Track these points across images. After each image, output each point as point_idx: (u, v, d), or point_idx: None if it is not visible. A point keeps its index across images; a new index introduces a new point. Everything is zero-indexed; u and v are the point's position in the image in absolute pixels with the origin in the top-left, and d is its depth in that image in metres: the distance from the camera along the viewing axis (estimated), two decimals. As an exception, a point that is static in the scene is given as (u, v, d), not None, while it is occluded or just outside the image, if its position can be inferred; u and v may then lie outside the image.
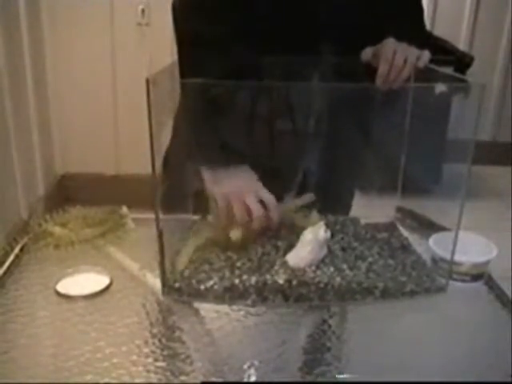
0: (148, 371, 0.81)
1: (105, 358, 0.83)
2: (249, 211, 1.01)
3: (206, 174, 1.05)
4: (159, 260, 0.96)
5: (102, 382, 0.79)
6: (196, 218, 1.16)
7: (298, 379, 0.82)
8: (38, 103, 2.69)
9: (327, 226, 1.01)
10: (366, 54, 1.11)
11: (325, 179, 1.19)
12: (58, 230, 1.15)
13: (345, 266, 1.00)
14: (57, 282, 1.00)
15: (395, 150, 1.18)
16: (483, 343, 0.91)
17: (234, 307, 0.95)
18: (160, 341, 0.88)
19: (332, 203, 1.19)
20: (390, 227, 1.17)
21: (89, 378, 0.79)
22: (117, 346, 0.86)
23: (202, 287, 0.95)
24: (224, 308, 0.95)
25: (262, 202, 1.02)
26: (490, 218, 2.57)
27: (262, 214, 1.01)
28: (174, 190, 1.07)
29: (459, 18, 3.47)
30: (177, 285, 0.96)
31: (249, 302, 0.95)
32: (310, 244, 0.98)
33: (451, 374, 0.84)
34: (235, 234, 1.03)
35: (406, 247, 1.09)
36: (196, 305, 0.96)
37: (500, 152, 3.50)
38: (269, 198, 1.02)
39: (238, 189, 1.03)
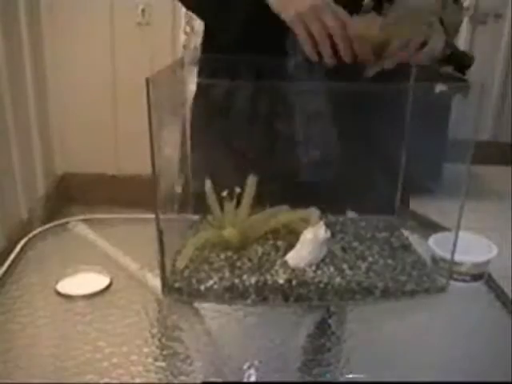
0: (148, 371, 0.81)
1: (105, 357, 0.83)
2: (327, 29, 0.92)
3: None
4: (159, 260, 0.96)
5: (101, 381, 0.79)
6: (196, 217, 1.16)
7: (298, 379, 0.82)
8: (37, 103, 2.69)
9: (327, 225, 1.01)
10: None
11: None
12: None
13: (345, 266, 1.00)
14: (57, 282, 1.00)
15: (395, 150, 1.18)
16: (483, 343, 0.91)
17: (234, 307, 0.95)
18: (160, 341, 0.88)
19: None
20: (390, 227, 1.17)
21: (89, 377, 0.79)
22: (117, 346, 0.86)
23: (202, 287, 0.95)
24: (224, 308, 0.95)
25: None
26: (490, 218, 2.57)
27: (341, 29, 0.91)
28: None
29: (459, 18, 3.46)
30: (177, 285, 0.96)
31: (249, 301, 0.95)
32: (310, 244, 0.98)
33: (451, 373, 0.84)
34: (230, 234, 1.02)
35: (406, 247, 1.09)
36: (196, 304, 0.96)
37: (500, 152, 3.50)
38: (345, 14, 0.92)
39: (309, 7, 0.92)
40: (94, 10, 2.77)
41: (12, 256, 1.09)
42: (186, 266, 0.99)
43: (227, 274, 0.97)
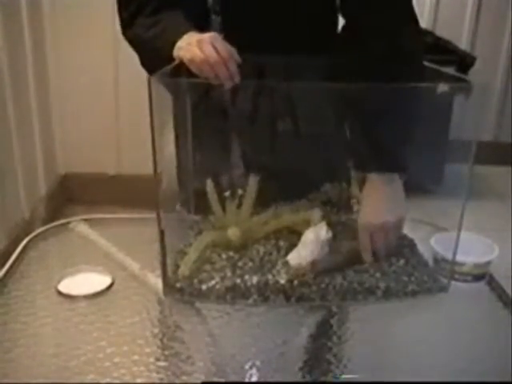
0: (149, 371, 0.81)
1: (106, 357, 0.83)
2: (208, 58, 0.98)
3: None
4: (161, 260, 0.96)
5: (103, 381, 0.79)
6: (197, 218, 1.16)
7: (299, 379, 0.82)
8: (39, 103, 2.69)
9: (329, 226, 1.01)
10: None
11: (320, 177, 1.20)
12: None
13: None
14: (58, 282, 1.00)
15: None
16: (484, 343, 0.91)
17: (236, 307, 0.95)
18: (161, 341, 0.88)
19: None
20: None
21: (90, 377, 0.79)
22: (118, 346, 0.86)
23: (204, 287, 0.95)
24: (225, 308, 0.95)
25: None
26: (491, 218, 2.57)
27: (215, 60, 0.97)
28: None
29: (461, 18, 3.46)
30: (178, 285, 0.96)
31: (250, 301, 0.95)
32: (311, 244, 0.98)
33: (452, 373, 0.83)
34: (233, 233, 1.03)
35: (407, 247, 1.09)
36: (197, 304, 0.96)
37: (502, 152, 3.49)
38: (222, 46, 0.99)
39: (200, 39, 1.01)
40: (96, 10, 2.77)
41: (14, 256, 1.09)
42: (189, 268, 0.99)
43: (229, 274, 0.97)
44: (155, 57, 1.06)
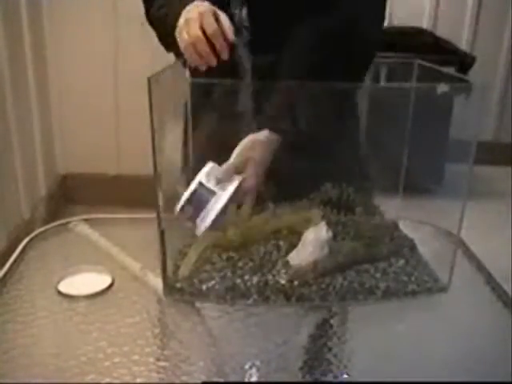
0: (149, 371, 0.81)
1: (106, 357, 0.83)
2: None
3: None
4: (161, 260, 0.96)
5: (103, 381, 0.79)
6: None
7: (299, 379, 0.82)
8: (39, 103, 2.69)
9: (329, 226, 1.01)
10: None
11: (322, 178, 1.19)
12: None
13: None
14: (58, 282, 1.00)
15: (397, 150, 1.18)
16: (484, 343, 0.91)
17: (236, 307, 0.95)
18: (161, 340, 0.88)
19: None
20: (392, 227, 1.17)
21: (90, 377, 0.79)
22: (118, 346, 0.86)
23: (204, 287, 0.95)
24: (225, 308, 0.95)
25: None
26: (491, 218, 2.57)
27: (215, 31, 0.98)
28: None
29: (461, 19, 3.47)
30: (178, 285, 0.96)
31: (250, 301, 0.95)
32: (311, 244, 0.98)
33: (451, 373, 0.83)
34: (233, 233, 1.03)
35: (407, 247, 1.09)
36: (197, 304, 0.96)
37: (502, 152, 3.50)
38: (209, 25, 0.99)
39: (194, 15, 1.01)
40: (96, 10, 2.77)
41: (14, 256, 1.09)
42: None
43: (229, 274, 0.97)
44: (168, 35, 1.07)
